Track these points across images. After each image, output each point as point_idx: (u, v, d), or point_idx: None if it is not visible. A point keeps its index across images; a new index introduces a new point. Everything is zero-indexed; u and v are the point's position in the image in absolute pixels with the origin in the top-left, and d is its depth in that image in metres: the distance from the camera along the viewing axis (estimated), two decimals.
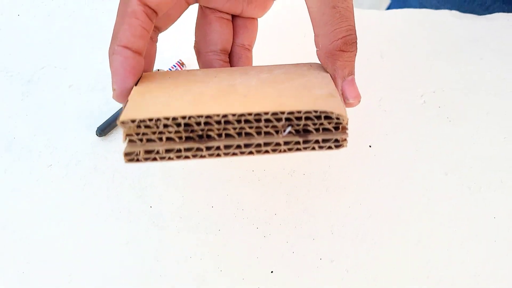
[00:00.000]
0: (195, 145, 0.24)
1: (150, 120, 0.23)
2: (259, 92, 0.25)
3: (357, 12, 0.42)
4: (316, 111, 0.24)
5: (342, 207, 0.37)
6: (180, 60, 0.41)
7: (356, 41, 0.27)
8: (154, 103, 0.24)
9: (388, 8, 0.69)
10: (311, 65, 0.29)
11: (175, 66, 0.41)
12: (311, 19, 0.27)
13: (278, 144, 0.25)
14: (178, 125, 0.24)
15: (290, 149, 0.25)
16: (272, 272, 0.35)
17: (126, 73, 0.26)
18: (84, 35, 0.43)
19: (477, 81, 0.40)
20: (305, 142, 0.25)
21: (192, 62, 0.42)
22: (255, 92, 0.25)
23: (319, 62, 0.29)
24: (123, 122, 0.23)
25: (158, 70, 0.41)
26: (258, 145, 0.25)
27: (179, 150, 0.24)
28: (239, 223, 0.36)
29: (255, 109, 0.23)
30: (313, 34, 0.28)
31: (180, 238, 0.36)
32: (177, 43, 0.42)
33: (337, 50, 0.27)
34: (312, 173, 0.38)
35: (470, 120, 0.39)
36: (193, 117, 0.23)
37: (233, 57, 0.34)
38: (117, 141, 0.39)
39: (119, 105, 0.40)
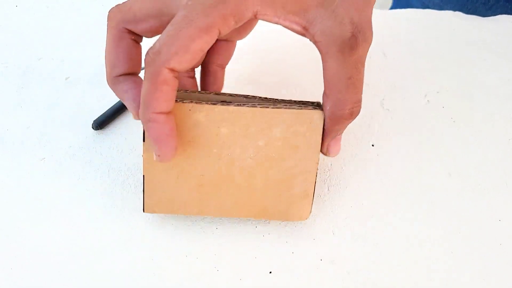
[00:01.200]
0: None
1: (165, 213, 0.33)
2: (251, 185, 0.32)
3: None
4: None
5: (343, 207, 0.36)
6: None
7: (359, 112, 0.29)
8: (165, 192, 0.32)
9: (391, 8, 0.69)
10: (311, 120, 0.31)
11: None
12: (325, 80, 0.28)
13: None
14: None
15: (263, 224, 0.34)
16: (270, 272, 0.34)
17: (168, 138, 0.28)
18: (82, 27, 0.43)
19: (481, 82, 0.40)
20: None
21: None
22: (247, 185, 0.32)
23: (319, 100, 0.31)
24: (147, 213, 0.34)
25: None
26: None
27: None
28: (237, 222, 0.35)
29: (242, 215, 0.33)
30: (323, 89, 0.29)
31: (176, 237, 0.35)
32: None
33: (342, 118, 0.29)
34: None
35: (474, 121, 0.38)
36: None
37: (209, 76, 0.36)
38: (113, 135, 0.38)
39: (117, 99, 0.39)
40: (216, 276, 0.34)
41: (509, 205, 0.35)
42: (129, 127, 0.38)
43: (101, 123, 0.38)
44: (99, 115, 0.38)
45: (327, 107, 0.29)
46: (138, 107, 0.28)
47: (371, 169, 0.37)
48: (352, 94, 0.28)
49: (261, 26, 0.33)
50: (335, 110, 0.29)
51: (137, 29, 0.30)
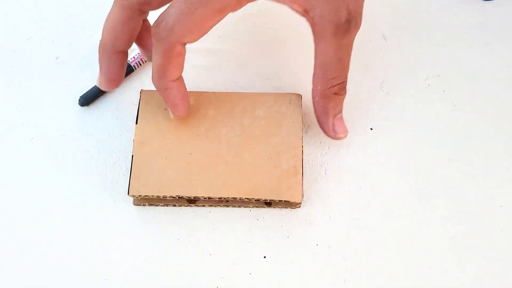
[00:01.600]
0: (186, 203, 0.33)
1: (152, 195, 0.32)
2: (239, 162, 0.33)
3: None
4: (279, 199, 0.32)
5: (340, 191, 0.34)
6: None
7: (346, 86, 0.32)
8: (153, 173, 0.32)
9: None
10: (290, 101, 0.35)
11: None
12: (317, 63, 0.31)
13: (249, 206, 0.34)
14: (173, 197, 0.32)
15: (258, 208, 0.34)
16: (265, 257, 0.33)
17: (183, 101, 0.32)
18: (76, 8, 0.41)
19: (483, 66, 0.39)
20: (269, 205, 0.34)
21: None
22: (235, 162, 0.33)
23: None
24: (132, 195, 0.32)
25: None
26: (234, 206, 0.34)
27: (174, 205, 0.34)
28: (231, 206, 0.34)
29: (232, 194, 0.32)
30: (312, 72, 0.32)
31: (167, 220, 0.34)
32: None
33: (332, 93, 0.32)
34: (310, 154, 0.36)
35: (475, 106, 0.37)
36: (184, 196, 0.32)
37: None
38: (104, 115, 0.37)
39: None
40: (209, 260, 0.32)
41: (510, 191, 0.34)
42: (120, 106, 0.37)
43: (88, 99, 0.37)
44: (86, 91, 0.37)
45: (318, 87, 0.32)
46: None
47: (370, 153, 0.36)
48: (340, 71, 0.31)
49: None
50: (326, 88, 0.32)
51: (150, 7, 0.32)
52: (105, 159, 0.36)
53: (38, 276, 0.32)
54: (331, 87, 0.32)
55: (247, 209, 0.34)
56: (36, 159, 0.35)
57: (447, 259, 0.32)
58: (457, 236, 0.33)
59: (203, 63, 0.39)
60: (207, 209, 0.34)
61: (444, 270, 0.32)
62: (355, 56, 0.32)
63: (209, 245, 0.33)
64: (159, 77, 0.30)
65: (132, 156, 0.33)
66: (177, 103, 0.32)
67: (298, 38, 0.39)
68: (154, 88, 0.32)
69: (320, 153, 0.36)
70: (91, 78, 0.37)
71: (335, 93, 0.32)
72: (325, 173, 0.35)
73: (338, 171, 0.35)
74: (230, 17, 0.30)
